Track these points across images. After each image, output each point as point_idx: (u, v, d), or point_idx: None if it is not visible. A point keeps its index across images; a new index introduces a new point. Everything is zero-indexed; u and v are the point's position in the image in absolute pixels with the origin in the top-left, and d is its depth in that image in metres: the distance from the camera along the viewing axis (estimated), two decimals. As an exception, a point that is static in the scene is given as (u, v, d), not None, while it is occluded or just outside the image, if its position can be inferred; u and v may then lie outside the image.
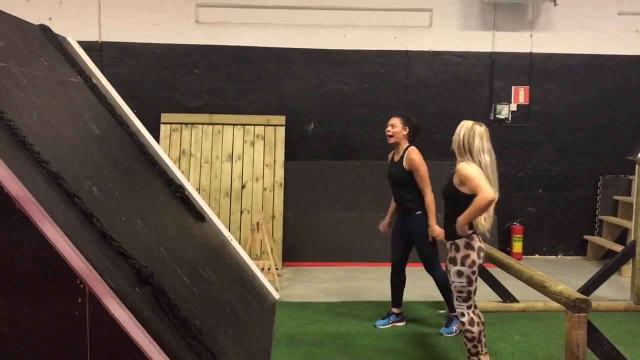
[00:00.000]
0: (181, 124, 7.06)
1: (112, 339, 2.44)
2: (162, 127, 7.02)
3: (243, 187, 6.96)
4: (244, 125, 7.08)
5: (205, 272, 4.09)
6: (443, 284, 4.67)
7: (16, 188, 2.41)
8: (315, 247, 7.09)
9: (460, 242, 3.53)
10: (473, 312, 3.58)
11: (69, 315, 2.42)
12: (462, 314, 3.58)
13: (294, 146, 7.16)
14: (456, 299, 3.59)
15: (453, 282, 3.56)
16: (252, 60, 7.15)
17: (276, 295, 5.44)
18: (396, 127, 4.66)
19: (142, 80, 7.10)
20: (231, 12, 7.09)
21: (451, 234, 3.58)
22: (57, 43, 4.67)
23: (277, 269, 6.25)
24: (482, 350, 3.66)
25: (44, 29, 4.62)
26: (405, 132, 4.66)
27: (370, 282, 6.22)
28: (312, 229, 7.13)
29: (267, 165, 7.01)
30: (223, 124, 7.07)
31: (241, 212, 6.92)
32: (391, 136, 4.68)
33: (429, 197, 4.57)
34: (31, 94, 3.49)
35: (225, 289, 4.28)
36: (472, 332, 3.55)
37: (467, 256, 3.49)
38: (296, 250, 7.02)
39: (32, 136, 2.92)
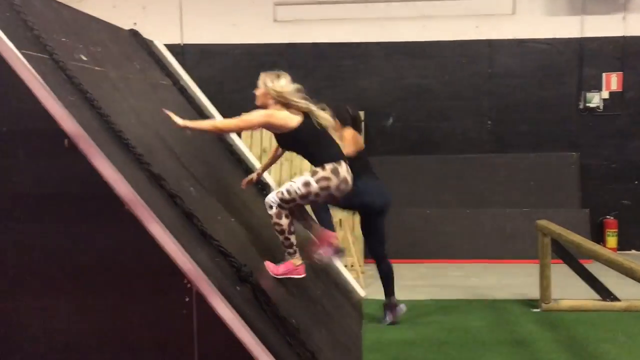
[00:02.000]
0: (261, 122, 7.10)
1: (219, 338, 2.45)
2: (243, 126, 7.09)
3: (323, 184, 6.92)
4: (322, 122, 7.04)
5: (295, 269, 4.08)
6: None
7: (125, 189, 2.46)
8: (396, 244, 6.95)
9: (329, 165, 3.43)
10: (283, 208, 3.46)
11: (177, 314, 2.45)
12: (271, 207, 3.46)
13: (372, 141, 7.06)
14: (277, 194, 3.46)
15: (292, 183, 3.45)
16: (329, 57, 7.11)
17: (362, 293, 5.38)
18: None
19: (223, 80, 7.21)
20: (308, 9, 7.08)
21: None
22: (146, 47, 4.81)
23: (359, 266, 6.19)
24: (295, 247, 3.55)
25: (134, 34, 4.77)
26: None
27: (457, 279, 6.06)
28: (392, 225, 6.96)
29: (346, 162, 6.95)
30: (302, 122, 7.06)
31: (322, 209, 6.89)
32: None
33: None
34: (128, 97, 3.59)
35: (314, 286, 4.26)
36: (281, 225, 3.46)
37: (326, 179, 3.39)
38: (378, 247, 6.92)
39: (133, 138, 3.00)
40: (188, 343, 2.47)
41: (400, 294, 5.55)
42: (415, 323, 4.70)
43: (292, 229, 3.53)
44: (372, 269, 6.54)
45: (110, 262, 2.49)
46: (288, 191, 3.43)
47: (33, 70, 2.46)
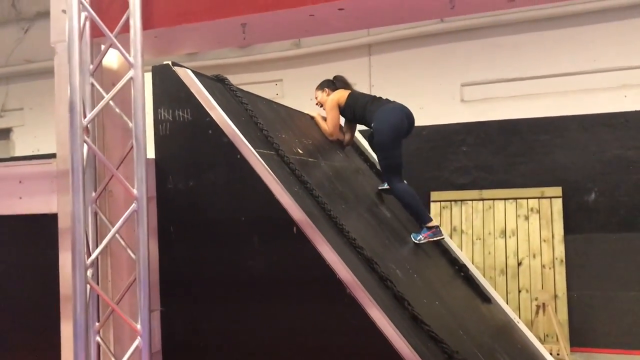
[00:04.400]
0: (451, 201, 7.10)
1: None
2: (432, 205, 7.14)
3: (519, 264, 6.62)
4: (516, 199, 6.83)
5: (502, 357, 3.90)
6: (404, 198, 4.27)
7: (345, 273, 2.61)
8: (609, 332, 6.31)
9: None
10: None
11: (396, 399, 2.48)
12: None
13: (573, 219, 6.63)
14: None
15: None
16: (522, 132, 6.95)
17: (572, 386, 4.92)
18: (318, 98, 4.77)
19: (411, 161, 7.35)
20: (497, 87, 7.06)
21: None
22: (348, 136, 5.17)
23: (567, 355, 5.70)
24: None
25: (335, 124, 5.15)
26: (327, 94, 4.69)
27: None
28: (602, 310, 6.39)
29: (544, 241, 6.60)
30: (494, 199, 6.92)
31: (519, 291, 6.55)
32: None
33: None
34: (336, 183, 3.86)
35: (522, 375, 4.02)
36: None
37: None
38: (585, 334, 6.34)
39: (346, 223, 3.19)
40: None
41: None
42: None
43: None
44: (580, 358, 5.98)
45: (333, 344, 2.62)
46: None
47: (266, 166, 2.78)
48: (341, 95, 4.61)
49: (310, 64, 7.90)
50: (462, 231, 6.96)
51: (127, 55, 2.28)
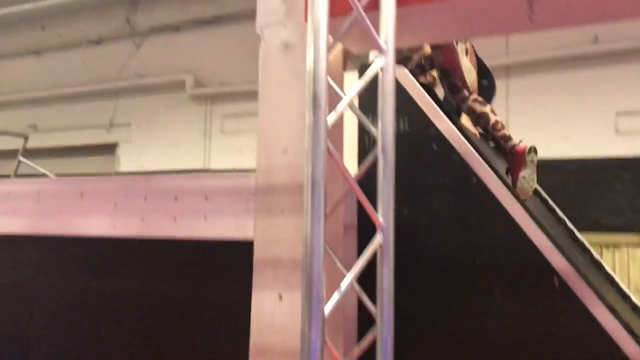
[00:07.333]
0: (602, 245, 6.20)
1: None
2: (579, 248, 6.27)
3: (690, 325, 5.63)
4: (683, 247, 5.87)
5: None
6: None
7: (634, 348, 1.91)
8: None
9: None
10: None
11: None
12: None
13: None
14: None
15: None
16: (692, 171, 6.02)
17: None
18: None
19: (554, 197, 6.55)
20: (662, 118, 6.19)
21: None
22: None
23: None
24: None
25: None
26: None
27: None
28: None
29: None
30: (655, 246, 5.98)
31: (690, 357, 5.55)
32: None
33: None
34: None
35: None
36: None
37: None
38: None
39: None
40: None
41: None
42: None
43: None
44: None
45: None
46: None
47: (512, 195, 2.14)
48: None
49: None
50: (614, 281, 6.04)
51: (377, 37, 1.71)
